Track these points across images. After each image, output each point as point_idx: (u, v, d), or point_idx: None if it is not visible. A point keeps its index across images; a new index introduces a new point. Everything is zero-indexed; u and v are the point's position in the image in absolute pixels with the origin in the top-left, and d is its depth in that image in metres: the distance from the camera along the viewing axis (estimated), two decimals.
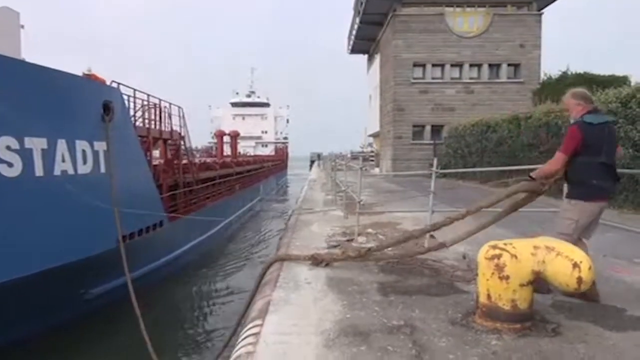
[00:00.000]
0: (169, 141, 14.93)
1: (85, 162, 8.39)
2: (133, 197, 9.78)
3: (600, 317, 3.84)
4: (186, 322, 10.34)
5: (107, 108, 8.95)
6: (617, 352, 3.21)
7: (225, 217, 19.66)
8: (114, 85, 10.27)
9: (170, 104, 15.05)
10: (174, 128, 15.22)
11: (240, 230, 21.96)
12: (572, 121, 4.34)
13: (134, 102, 11.92)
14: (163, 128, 14.24)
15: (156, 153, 15.77)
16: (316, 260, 5.57)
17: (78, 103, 8.42)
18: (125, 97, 10.91)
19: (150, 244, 10.86)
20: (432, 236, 7.00)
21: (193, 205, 15.36)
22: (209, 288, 12.78)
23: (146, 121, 12.91)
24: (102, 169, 8.81)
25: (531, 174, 4.32)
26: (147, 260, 10.98)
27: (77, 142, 8.22)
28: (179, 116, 15.68)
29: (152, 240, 10.89)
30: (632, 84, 12.81)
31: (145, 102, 12.93)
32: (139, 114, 12.38)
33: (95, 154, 8.66)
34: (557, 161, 4.16)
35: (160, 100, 14.13)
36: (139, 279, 9.85)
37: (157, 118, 13.88)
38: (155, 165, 13.21)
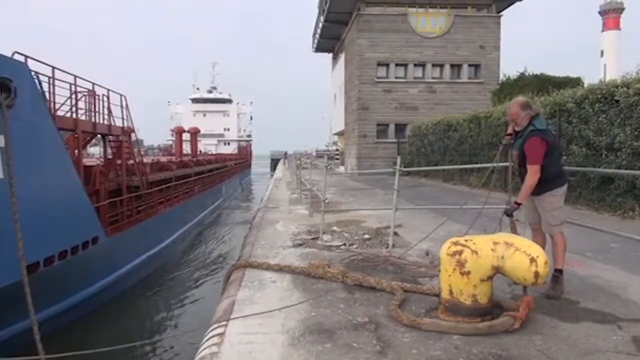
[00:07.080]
0: (109, 137, 12.60)
1: None
2: (50, 208, 7.84)
3: (555, 310, 3.99)
4: None
5: (4, 88, 6.46)
6: (571, 342, 3.34)
7: (183, 224, 17.66)
8: (19, 58, 7.79)
9: (108, 90, 12.38)
10: (117, 121, 12.83)
11: (199, 239, 20.26)
12: (517, 129, 4.51)
13: (53, 85, 9.44)
14: (99, 120, 11.74)
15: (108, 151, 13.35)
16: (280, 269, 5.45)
17: None
18: (44, 80, 8.90)
19: (80, 266, 8.92)
20: (396, 234, 7.11)
21: (142, 213, 13.24)
22: (156, 318, 10.67)
23: (74, 111, 10.46)
24: None
25: (517, 200, 4.40)
26: (76, 288, 9.16)
27: None
28: (122, 106, 13.09)
29: (82, 261, 8.89)
30: (585, 85, 13.33)
31: (73, 87, 10.32)
32: (61, 100, 9.90)
33: None
34: (535, 172, 4.28)
35: (93, 84, 11.41)
36: (63, 313, 8.33)
37: (91, 107, 11.40)
38: (88, 167, 11.07)
